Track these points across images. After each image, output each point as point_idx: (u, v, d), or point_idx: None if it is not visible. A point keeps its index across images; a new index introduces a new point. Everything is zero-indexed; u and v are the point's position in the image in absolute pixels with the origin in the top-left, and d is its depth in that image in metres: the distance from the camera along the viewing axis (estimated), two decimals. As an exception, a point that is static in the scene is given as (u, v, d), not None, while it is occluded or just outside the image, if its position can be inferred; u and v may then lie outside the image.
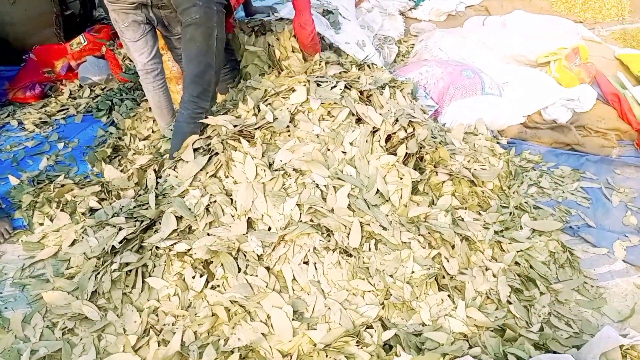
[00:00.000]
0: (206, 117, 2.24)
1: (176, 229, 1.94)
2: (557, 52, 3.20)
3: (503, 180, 2.32)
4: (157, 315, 1.78)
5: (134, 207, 2.13)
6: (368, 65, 2.76)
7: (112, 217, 2.16)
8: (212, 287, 1.83)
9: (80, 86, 3.52)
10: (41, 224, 2.26)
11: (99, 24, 4.34)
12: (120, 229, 2.04)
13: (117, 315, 1.78)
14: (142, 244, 1.96)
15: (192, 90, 2.17)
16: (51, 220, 2.26)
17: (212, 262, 1.85)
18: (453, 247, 1.87)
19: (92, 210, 2.28)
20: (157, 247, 1.94)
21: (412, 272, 1.76)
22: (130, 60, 3.64)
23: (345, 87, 2.28)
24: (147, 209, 2.10)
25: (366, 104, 2.21)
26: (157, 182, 2.23)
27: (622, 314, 1.87)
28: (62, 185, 2.44)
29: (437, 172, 2.12)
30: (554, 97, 2.93)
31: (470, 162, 2.26)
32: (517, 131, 2.86)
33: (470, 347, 1.61)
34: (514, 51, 3.38)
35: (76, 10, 4.59)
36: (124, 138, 2.82)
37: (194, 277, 1.83)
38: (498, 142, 2.73)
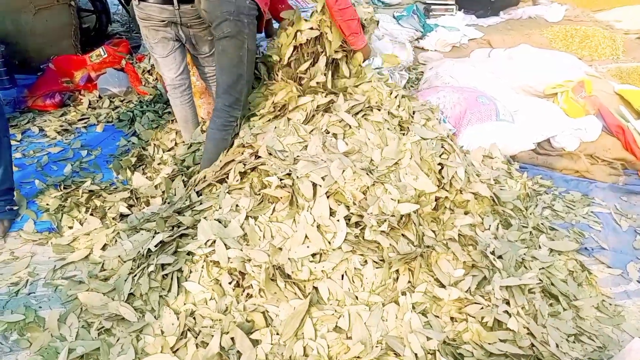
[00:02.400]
0: (237, 125, 2.34)
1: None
2: (563, 85, 3.36)
3: (521, 202, 2.42)
4: (194, 318, 1.80)
5: (168, 214, 2.16)
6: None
7: (144, 222, 2.20)
8: (248, 295, 1.86)
9: (100, 97, 3.59)
10: (70, 227, 2.28)
11: (114, 39, 4.43)
12: (156, 232, 2.08)
13: (155, 317, 1.80)
14: (178, 249, 2.00)
15: (225, 100, 2.26)
16: (81, 223, 2.29)
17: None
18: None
19: (122, 216, 2.32)
20: (191, 253, 1.97)
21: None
22: (150, 74, 3.72)
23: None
24: (180, 214, 2.14)
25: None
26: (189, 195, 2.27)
27: (641, 331, 1.95)
28: (91, 191, 2.48)
29: (461, 191, 2.21)
30: (563, 126, 3.08)
31: (491, 183, 2.35)
32: (529, 157, 2.99)
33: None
34: (522, 82, 3.54)
35: (91, 25, 4.69)
36: (147, 148, 2.87)
37: (230, 283, 1.86)
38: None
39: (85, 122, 3.26)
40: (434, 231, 1.95)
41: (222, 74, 2.23)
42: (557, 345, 1.76)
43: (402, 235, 1.87)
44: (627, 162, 3.00)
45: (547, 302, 1.96)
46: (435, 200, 2.08)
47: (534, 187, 2.75)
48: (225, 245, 1.90)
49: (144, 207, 2.36)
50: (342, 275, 1.81)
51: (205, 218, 2.05)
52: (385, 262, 1.82)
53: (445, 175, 2.10)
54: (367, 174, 1.97)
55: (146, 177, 2.61)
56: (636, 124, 3.17)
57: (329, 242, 1.84)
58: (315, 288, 1.77)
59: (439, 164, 2.12)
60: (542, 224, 2.42)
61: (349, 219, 1.91)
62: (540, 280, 1.94)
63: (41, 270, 2.06)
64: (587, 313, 2.00)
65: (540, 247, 2.27)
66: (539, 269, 2.10)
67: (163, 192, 2.45)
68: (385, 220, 1.85)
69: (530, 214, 2.46)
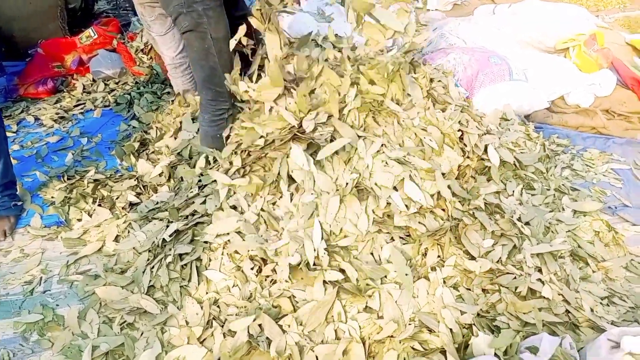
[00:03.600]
0: (230, 116, 2.19)
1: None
2: (575, 39, 3.24)
3: (542, 164, 2.34)
4: (218, 307, 1.75)
5: (180, 202, 2.08)
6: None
7: (155, 211, 2.13)
8: (272, 281, 1.80)
9: (94, 80, 3.45)
10: (79, 220, 2.20)
11: (102, 18, 4.25)
12: (169, 222, 2.01)
13: (178, 308, 1.75)
14: (195, 238, 1.93)
15: (206, 95, 2.12)
16: (90, 215, 2.21)
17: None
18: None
19: (132, 205, 2.24)
20: (208, 242, 1.90)
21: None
22: (144, 53, 3.58)
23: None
24: (193, 203, 2.07)
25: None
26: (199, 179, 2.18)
27: (673, 289, 1.91)
28: (96, 180, 2.39)
29: (482, 158, 2.13)
30: (576, 82, 2.97)
31: (509, 146, 2.28)
32: (544, 116, 2.90)
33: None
34: (531, 38, 3.41)
35: (77, 4, 4.49)
36: (149, 132, 2.76)
37: (252, 269, 1.80)
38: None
39: (81, 108, 3.13)
40: (460, 201, 1.87)
41: (195, 69, 2.09)
42: (592, 310, 1.72)
43: (430, 211, 1.79)
44: (644, 115, 2.91)
45: (577, 266, 1.91)
46: (457, 168, 2.00)
47: (552, 147, 2.67)
48: (242, 234, 1.83)
49: (152, 195, 2.28)
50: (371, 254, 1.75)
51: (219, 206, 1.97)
52: (414, 240, 1.75)
53: (467, 143, 2.01)
54: (399, 163, 1.86)
55: (153, 162, 2.52)
56: (652, 75, 3.07)
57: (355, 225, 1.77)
58: (342, 270, 1.70)
59: (459, 130, 2.02)
60: (563, 185, 2.35)
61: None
62: (570, 245, 1.88)
63: (54, 267, 2.00)
64: (617, 274, 1.96)
65: (564, 209, 2.21)
66: (566, 232, 2.05)
67: (168, 179, 2.36)
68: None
69: (551, 175, 2.39)
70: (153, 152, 2.60)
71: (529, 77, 2.97)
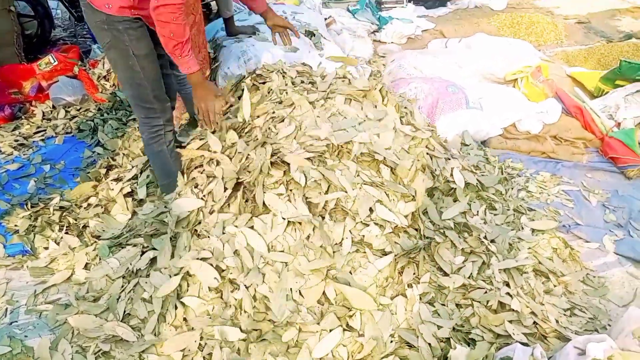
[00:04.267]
0: (170, 131, 2.18)
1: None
2: (522, 70, 3.50)
3: (502, 185, 2.49)
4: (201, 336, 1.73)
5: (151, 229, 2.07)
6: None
7: (126, 236, 2.09)
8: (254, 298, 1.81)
9: (54, 107, 3.37)
10: (46, 248, 2.14)
11: (60, 45, 4.18)
12: (144, 247, 1.99)
13: (155, 334, 1.72)
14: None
15: (138, 113, 2.11)
16: (57, 243, 2.14)
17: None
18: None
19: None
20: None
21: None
22: (106, 80, 3.54)
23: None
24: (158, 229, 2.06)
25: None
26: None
27: (625, 299, 2.07)
28: (62, 208, 2.33)
29: (448, 180, 2.25)
30: (526, 110, 3.20)
31: (472, 170, 2.41)
32: (498, 142, 3.09)
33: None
34: (483, 70, 3.65)
35: (33, 31, 4.41)
36: (116, 158, 2.72)
37: (232, 292, 1.81)
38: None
39: (42, 135, 3.05)
40: (429, 221, 1.97)
41: (124, 87, 2.07)
42: (557, 321, 1.83)
43: (404, 231, 1.87)
44: (588, 141, 3.16)
45: (540, 281, 2.04)
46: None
47: (507, 170, 2.84)
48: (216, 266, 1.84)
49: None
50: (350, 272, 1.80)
51: (191, 231, 1.97)
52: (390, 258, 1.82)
53: (436, 167, 2.12)
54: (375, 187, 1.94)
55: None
56: (592, 104, 3.35)
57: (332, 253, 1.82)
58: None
59: (427, 153, 2.14)
60: (521, 205, 2.51)
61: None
62: (534, 260, 2.01)
63: (20, 297, 1.92)
64: (575, 287, 2.10)
65: (523, 228, 2.35)
66: (527, 249, 2.18)
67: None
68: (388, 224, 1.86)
69: (509, 196, 2.54)
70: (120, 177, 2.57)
71: (483, 105, 3.17)
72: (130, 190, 2.41)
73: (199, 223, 2.03)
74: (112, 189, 2.39)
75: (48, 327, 1.79)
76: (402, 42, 4.97)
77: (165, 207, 2.16)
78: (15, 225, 2.24)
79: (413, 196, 1.99)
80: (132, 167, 2.57)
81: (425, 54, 4.01)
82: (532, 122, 3.19)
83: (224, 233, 1.92)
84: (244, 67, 3.23)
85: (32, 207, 2.34)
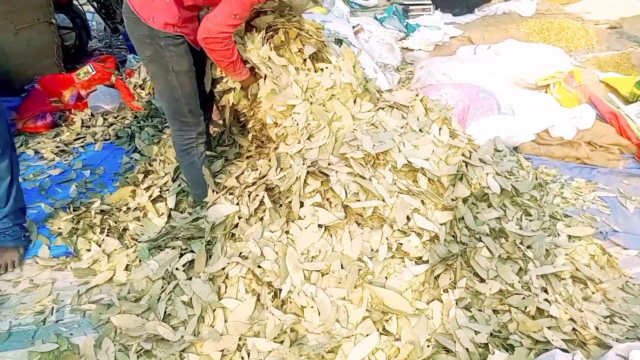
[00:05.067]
0: (202, 143, 2.22)
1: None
2: (555, 76, 3.46)
3: (536, 191, 2.47)
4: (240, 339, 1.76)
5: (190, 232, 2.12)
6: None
7: (169, 240, 2.15)
8: (283, 302, 1.84)
9: (92, 115, 3.48)
10: (88, 250, 2.21)
11: (97, 55, 4.33)
12: (182, 250, 2.04)
13: (195, 334, 1.76)
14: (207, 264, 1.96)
15: (173, 125, 2.16)
16: (98, 245, 2.22)
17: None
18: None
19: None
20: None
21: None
22: (142, 89, 3.65)
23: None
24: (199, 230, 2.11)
25: None
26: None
27: (667, 308, 2.02)
28: (102, 211, 2.40)
29: (482, 186, 2.24)
30: (559, 116, 3.16)
31: (506, 175, 2.40)
32: (531, 148, 3.06)
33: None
34: (513, 75, 3.62)
35: (72, 42, 4.57)
36: (152, 164, 2.80)
37: (269, 294, 1.84)
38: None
39: (81, 142, 3.16)
40: (466, 227, 1.97)
41: (161, 100, 2.13)
42: (597, 328, 1.80)
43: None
44: (623, 147, 3.10)
45: (578, 287, 2.01)
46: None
47: (542, 176, 2.81)
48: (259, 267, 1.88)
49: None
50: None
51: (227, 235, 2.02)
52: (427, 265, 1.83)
53: (472, 175, 2.13)
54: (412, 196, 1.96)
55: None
56: (627, 110, 3.29)
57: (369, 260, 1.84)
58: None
59: (463, 161, 2.14)
60: (556, 212, 2.48)
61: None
62: (572, 266, 1.99)
63: (65, 296, 1.99)
64: (614, 294, 2.05)
65: (559, 234, 2.33)
66: (564, 256, 2.15)
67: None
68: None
69: (544, 202, 2.51)
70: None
71: (515, 111, 3.15)
72: (160, 196, 2.47)
73: (235, 227, 2.07)
74: (142, 196, 2.46)
75: (92, 325, 1.85)
76: (429, 49, 4.98)
77: (200, 213, 2.22)
78: (59, 228, 2.32)
79: (450, 206, 2.00)
80: (165, 174, 2.64)
81: (454, 60, 4.01)
82: (566, 128, 3.16)
83: (260, 238, 1.96)
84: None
85: (74, 210, 2.42)
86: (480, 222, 2.02)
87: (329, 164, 1.99)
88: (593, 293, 2.02)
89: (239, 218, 2.05)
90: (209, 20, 1.83)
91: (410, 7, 5.81)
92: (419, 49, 4.93)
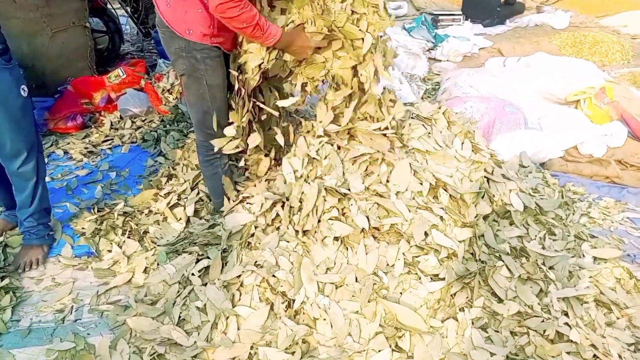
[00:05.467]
0: (226, 155, 2.16)
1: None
2: (586, 91, 3.37)
3: (562, 210, 2.40)
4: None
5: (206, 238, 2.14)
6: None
7: (186, 245, 2.17)
8: (296, 313, 1.83)
9: (121, 117, 3.57)
10: (109, 251, 2.25)
11: (128, 59, 4.44)
12: (199, 255, 2.06)
13: (207, 341, 1.77)
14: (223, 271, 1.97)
15: (199, 136, 2.16)
16: (119, 247, 2.26)
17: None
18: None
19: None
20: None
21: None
22: (170, 93, 3.72)
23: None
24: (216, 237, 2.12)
25: None
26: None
27: (696, 338, 1.93)
28: (125, 213, 2.45)
29: (504, 203, 2.19)
30: (589, 132, 3.08)
31: (530, 192, 2.34)
32: (559, 164, 2.98)
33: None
34: (543, 90, 3.55)
35: (105, 45, 4.70)
36: (176, 168, 2.84)
37: (283, 303, 1.84)
38: (542, 175, 2.84)
39: (109, 144, 3.24)
40: (486, 244, 1.93)
41: (190, 110, 2.13)
42: (620, 356, 1.73)
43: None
44: (656, 167, 3.00)
45: (601, 312, 1.94)
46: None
47: (568, 194, 2.73)
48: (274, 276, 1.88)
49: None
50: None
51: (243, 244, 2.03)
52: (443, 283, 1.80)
53: (494, 192, 2.09)
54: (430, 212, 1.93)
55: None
56: (662, 129, 3.18)
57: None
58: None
59: (485, 177, 2.10)
60: (582, 232, 2.40)
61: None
62: (596, 290, 1.92)
63: (85, 296, 2.03)
64: (641, 321, 1.98)
65: (584, 255, 2.25)
66: (588, 278, 2.08)
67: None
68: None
69: (570, 222, 2.44)
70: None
71: (543, 126, 3.09)
72: (178, 203, 2.49)
73: (252, 236, 2.08)
74: (161, 202, 2.50)
75: (108, 326, 1.88)
76: (457, 60, 4.93)
77: (217, 220, 2.24)
78: (83, 228, 2.38)
79: (470, 223, 1.96)
80: (185, 181, 2.66)
81: (482, 72, 3.96)
82: (596, 145, 3.07)
83: (276, 247, 1.97)
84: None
85: (98, 211, 2.48)
86: (500, 240, 1.98)
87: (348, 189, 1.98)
88: (617, 318, 1.94)
89: (255, 227, 2.05)
90: None
91: (440, 17, 5.77)
92: (447, 60, 4.88)
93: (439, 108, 2.30)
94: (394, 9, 6.32)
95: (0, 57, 1.87)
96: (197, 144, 2.22)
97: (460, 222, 1.92)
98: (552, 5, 6.72)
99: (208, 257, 2.04)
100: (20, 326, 1.88)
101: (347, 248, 1.92)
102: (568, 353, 1.67)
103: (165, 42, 1.95)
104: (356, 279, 1.83)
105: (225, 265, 2.00)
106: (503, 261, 1.88)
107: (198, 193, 2.53)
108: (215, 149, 2.08)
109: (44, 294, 2.04)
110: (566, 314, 1.81)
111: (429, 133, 2.22)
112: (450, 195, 1.99)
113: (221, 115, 2.08)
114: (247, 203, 2.18)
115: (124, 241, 2.28)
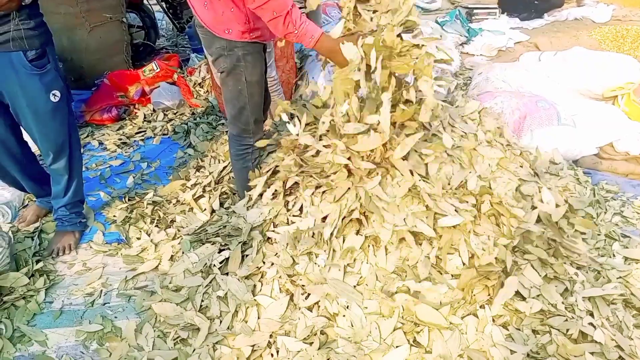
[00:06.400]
0: (257, 149, 2.23)
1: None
2: (624, 87, 3.25)
3: (593, 208, 2.33)
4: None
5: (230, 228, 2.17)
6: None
7: (208, 234, 2.22)
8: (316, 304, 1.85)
9: (154, 110, 3.67)
10: (138, 239, 2.33)
11: (163, 53, 4.54)
12: (222, 247, 2.10)
13: (228, 328, 1.81)
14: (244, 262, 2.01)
15: (232, 130, 2.18)
16: (148, 235, 2.33)
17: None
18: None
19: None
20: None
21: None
22: (201, 87, 3.79)
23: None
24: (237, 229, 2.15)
25: None
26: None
27: None
28: (154, 202, 2.53)
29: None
30: (626, 129, 2.97)
31: (562, 190, 2.29)
32: (592, 162, 2.89)
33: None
34: (579, 85, 3.43)
35: (141, 40, 4.82)
36: (204, 159, 2.91)
37: (302, 294, 1.86)
38: (575, 172, 2.76)
39: (142, 135, 3.34)
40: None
41: (226, 105, 2.15)
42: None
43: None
44: (698, 166, 2.86)
45: (630, 313, 1.88)
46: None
47: (601, 193, 2.65)
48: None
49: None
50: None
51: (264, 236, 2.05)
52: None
53: (527, 192, 2.05)
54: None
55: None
56: None
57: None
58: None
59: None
60: (613, 231, 2.32)
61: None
62: (624, 290, 1.86)
63: (114, 281, 2.11)
64: (673, 325, 1.90)
65: (614, 255, 2.18)
66: (617, 278, 2.02)
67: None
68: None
69: (601, 221, 2.37)
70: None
71: (577, 122, 2.99)
72: (202, 195, 2.55)
73: (275, 227, 2.10)
74: (187, 192, 2.55)
75: (135, 311, 1.95)
76: (491, 55, 4.82)
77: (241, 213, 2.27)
78: (114, 216, 2.47)
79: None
80: (209, 173, 2.71)
81: (516, 66, 3.86)
82: (633, 142, 2.95)
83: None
84: (329, 76, 3.31)
85: (129, 200, 2.57)
86: (528, 240, 1.93)
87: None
88: (648, 321, 1.88)
89: (275, 225, 2.07)
90: None
91: (475, 11, 5.65)
92: (480, 54, 4.78)
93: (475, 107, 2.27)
94: (428, 2, 6.23)
95: (32, 62, 1.89)
96: (229, 138, 2.25)
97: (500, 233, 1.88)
98: (593, -2, 6.46)
99: (229, 248, 2.08)
100: (52, 307, 1.97)
101: (369, 245, 1.91)
102: (592, 353, 1.62)
103: (206, 42, 1.98)
104: (377, 277, 1.83)
105: (245, 258, 2.03)
106: (528, 260, 1.84)
107: (223, 187, 2.57)
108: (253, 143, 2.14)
109: (75, 277, 2.13)
110: (591, 314, 1.76)
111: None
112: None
113: (257, 111, 2.12)
114: (273, 197, 2.19)
115: (152, 229, 2.35)
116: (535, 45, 5.00)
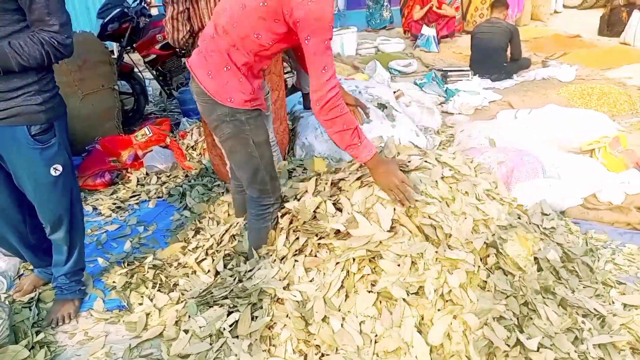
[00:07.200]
0: (277, 209, 2.23)
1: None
2: (600, 141, 3.45)
3: (588, 257, 2.41)
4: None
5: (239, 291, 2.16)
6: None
7: (214, 297, 2.20)
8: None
9: (147, 174, 3.69)
10: (140, 304, 2.28)
11: (154, 118, 4.63)
12: (230, 309, 2.07)
13: (241, 395, 1.76)
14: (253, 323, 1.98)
15: (251, 193, 2.18)
16: (150, 300, 2.29)
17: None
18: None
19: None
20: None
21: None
22: (193, 149, 3.85)
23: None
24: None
25: None
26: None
27: None
28: (155, 266, 2.50)
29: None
30: (606, 180, 3.12)
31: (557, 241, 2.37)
32: (579, 212, 3.01)
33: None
34: (556, 140, 3.63)
35: (130, 106, 4.92)
36: (202, 221, 2.91)
37: (316, 354, 1.84)
38: (563, 222, 2.86)
39: (136, 199, 3.34)
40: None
41: (238, 170, 2.18)
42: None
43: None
44: (677, 213, 3.01)
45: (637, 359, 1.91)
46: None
47: (591, 241, 2.74)
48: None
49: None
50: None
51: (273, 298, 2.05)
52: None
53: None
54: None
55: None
56: (678, 175, 3.21)
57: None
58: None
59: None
60: (609, 278, 2.40)
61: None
62: (631, 336, 1.90)
63: (117, 350, 2.05)
64: (679, 369, 1.94)
65: (613, 302, 2.24)
66: (620, 325, 2.06)
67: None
68: None
69: (596, 268, 2.44)
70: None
71: (561, 174, 3.14)
72: (205, 258, 2.52)
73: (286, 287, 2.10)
74: (189, 256, 2.54)
75: (142, 380, 1.89)
76: (469, 113, 5.06)
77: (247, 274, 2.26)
78: (113, 282, 2.43)
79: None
80: (210, 235, 2.71)
81: (494, 123, 4.07)
82: (614, 193, 3.10)
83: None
84: (320, 138, 3.43)
85: (128, 265, 2.53)
86: (536, 290, 1.98)
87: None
88: (654, 367, 1.92)
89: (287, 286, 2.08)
90: (314, 93, 1.78)
91: (449, 73, 5.98)
92: (459, 113, 5.02)
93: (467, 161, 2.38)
94: (404, 66, 6.57)
95: (35, 137, 1.88)
96: (249, 201, 2.22)
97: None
98: (556, 59, 6.93)
99: (238, 310, 2.06)
100: (55, 381, 1.89)
101: (380, 301, 1.93)
102: (609, 402, 1.64)
103: (207, 110, 1.99)
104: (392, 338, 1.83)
105: (255, 319, 2.00)
106: (536, 311, 1.88)
107: (225, 248, 2.57)
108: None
109: (77, 348, 2.06)
110: (603, 362, 1.79)
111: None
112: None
113: (271, 169, 2.14)
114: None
115: (154, 294, 2.32)
116: (509, 104, 5.28)
